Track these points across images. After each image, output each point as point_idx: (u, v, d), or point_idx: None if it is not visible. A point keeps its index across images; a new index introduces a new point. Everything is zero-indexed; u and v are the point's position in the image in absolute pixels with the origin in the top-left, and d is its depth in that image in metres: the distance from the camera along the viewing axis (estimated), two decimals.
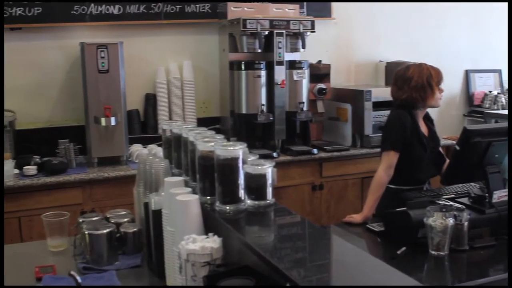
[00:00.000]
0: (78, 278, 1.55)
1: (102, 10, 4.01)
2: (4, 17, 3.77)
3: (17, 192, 3.38)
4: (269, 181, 1.81)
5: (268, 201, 1.81)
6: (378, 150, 3.02)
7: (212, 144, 1.80)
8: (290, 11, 4.27)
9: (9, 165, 3.42)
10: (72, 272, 1.56)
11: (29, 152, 3.77)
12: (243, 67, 3.96)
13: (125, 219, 2.23)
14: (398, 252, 2.24)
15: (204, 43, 4.34)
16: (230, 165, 1.76)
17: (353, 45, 4.82)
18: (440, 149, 3.13)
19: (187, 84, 4.18)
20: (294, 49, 4.12)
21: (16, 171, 3.48)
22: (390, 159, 2.84)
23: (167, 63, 4.21)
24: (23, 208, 3.40)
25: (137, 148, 3.81)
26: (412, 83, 2.89)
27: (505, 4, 5.05)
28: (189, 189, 1.80)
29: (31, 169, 3.48)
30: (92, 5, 3.97)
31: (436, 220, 2.18)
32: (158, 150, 3.41)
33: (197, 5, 4.21)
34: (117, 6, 4.03)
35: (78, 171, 3.55)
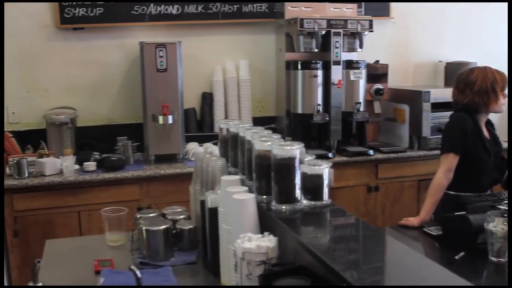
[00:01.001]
0: (138, 273, 1.58)
1: (161, 10, 4.08)
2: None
3: (77, 187, 3.48)
4: (326, 182, 1.79)
5: (324, 202, 1.80)
6: (437, 152, 2.95)
7: (269, 143, 1.80)
8: (348, 10, 4.22)
9: (70, 161, 3.52)
10: (132, 267, 1.59)
11: (89, 148, 3.88)
12: (299, 66, 3.95)
13: (181, 216, 2.26)
14: (456, 257, 2.18)
15: (260, 42, 4.35)
16: (287, 164, 1.75)
17: (411, 45, 4.73)
18: (503, 153, 3.03)
19: (244, 83, 4.20)
20: (351, 49, 4.07)
21: (77, 166, 3.58)
22: (450, 161, 2.77)
23: (224, 62, 4.24)
24: (83, 203, 3.49)
25: (193, 147, 3.86)
26: (475, 88, 2.80)
27: None
28: (246, 188, 1.80)
29: (90, 165, 3.57)
30: (152, 5, 4.05)
31: (497, 225, 2.11)
32: (214, 149, 3.46)
33: (254, 5, 4.23)
34: (175, 6, 4.09)
35: (135, 168, 3.63)
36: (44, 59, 4.01)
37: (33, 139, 3.85)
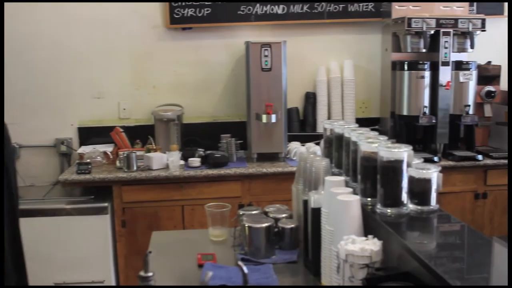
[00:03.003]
0: (245, 269, 1.60)
1: (267, 10, 4.12)
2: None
3: (182, 182, 3.59)
4: (434, 186, 1.73)
5: (431, 207, 1.74)
6: None
7: (376, 145, 1.77)
8: (459, 9, 4.06)
9: (176, 156, 3.63)
10: (240, 263, 1.61)
11: (194, 145, 3.99)
12: (406, 67, 3.85)
13: (284, 215, 2.26)
14: None
15: (366, 42, 4.28)
16: (393, 167, 1.71)
17: None
18: None
19: (348, 84, 4.16)
20: (462, 49, 3.91)
21: (182, 162, 3.69)
22: None
23: (328, 62, 4.22)
24: (187, 198, 3.60)
25: (295, 146, 3.86)
26: None
27: None
28: (350, 189, 1.78)
29: (195, 161, 3.67)
30: (258, 5, 4.10)
31: None
32: (316, 149, 3.44)
33: (361, 4, 4.17)
34: (281, 6, 4.11)
35: (238, 165, 3.68)
36: (154, 58, 4.17)
37: (141, 134, 4.01)
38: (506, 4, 4.31)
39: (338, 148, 2.17)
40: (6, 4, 3.98)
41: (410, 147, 1.75)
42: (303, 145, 3.85)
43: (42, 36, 4.08)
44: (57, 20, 4.08)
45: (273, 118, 3.68)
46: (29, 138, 4.12)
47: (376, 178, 1.76)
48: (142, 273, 1.52)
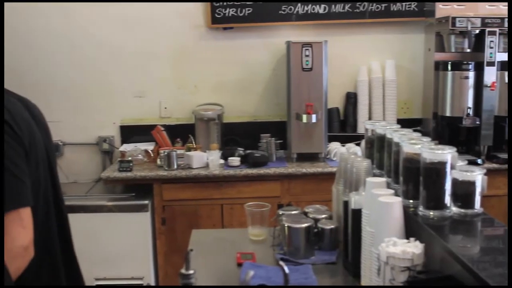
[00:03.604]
0: (286, 269, 1.59)
1: (308, 9, 4.10)
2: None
3: (221, 181, 3.60)
4: (478, 189, 1.70)
5: (475, 210, 1.70)
6: None
7: (419, 146, 1.74)
8: (505, 8, 3.97)
9: (216, 155, 3.65)
10: (281, 263, 1.61)
11: (234, 144, 4.01)
12: (449, 67, 3.78)
13: (323, 216, 2.25)
14: None
15: (408, 42, 4.22)
16: (437, 169, 1.68)
17: None
18: None
19: (389, 84, 4.11)
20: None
21: (222, 161, 3.71)
22: None
23: (369, 62, 4.18)
24: (226, 196, 3.61)
25: (335, 146, 3.84)
26: None
27: None
28: (392, 191, 1.76)
29: (235, 160, 3.68)
30: (299, 5, 4.08)
31: None
32: (357, 149, 3.41)
33: (403, 4, 4.11)
34: (322, 6, 4.09)
35: (277, 165, 3.68)
36: (195, 57, 4.20)
37: (182, 133, 4.05)
38: None
39: (379, 149, 2.15)
40: (54, 5, 4.07)
41: (454, 149, 1.72)
42: (343, 146, 3.83)
43: (87, 36, 4.16)
44: (101, 19, 4.15)
45: (314, 118, 3.67)
46: (72, 136, 4.20)
47: (419, 180, 1.73)
48: (183, 271, 1.53)
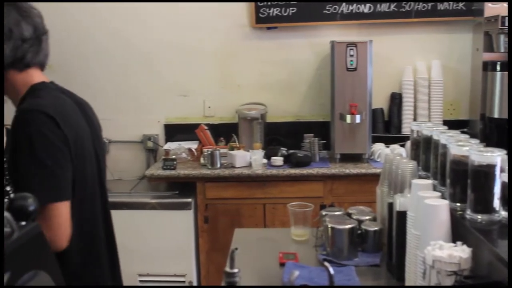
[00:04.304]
0: (331, 270, 1.58)
1: (353, 9, 4.07)
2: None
3: (264, 181, 3.61)
4: None
5: None
6: None
7: (467, 148, 1.71)
8: None
9: (259, 155, 3.66)
10: (326, 264, 1.60)
11: (277, 143, 4.01)
12: (498, 67, 3.69)
13: (367, 217, 2.23)
14: None
15: (455, 42, 4.14)
16: (485, 172, 1.64)
17: None
18: None
19: (435, 85, 4.04)
20: None
21: (265, 160, 3.71)
22: None
23: (414, 62, 4.12)
24: (268, 196, 3.61)
25: (379, 147, 3.80)
26: None
27: None
28: (438, 194, 1.73)
29: (278, 160, 3.68)
30: (344, 4, 4.05)
31: None
32: (401, 151, 3.36)
33: (450, 3, 4.04)
34: (367, 5, 4.06)
35: (320, 165, 3.66)
36: (239, 57, 4.22)
37: (225, 132, 4.07)
38: None
39: (425, 151, 2.11)
40: (104, 5, 4.15)
41: (504, 152, 1.67)
42: (387, 147, 3.78)
43: (134, 36, 4.23)
44: (148, 20, 4.21)
45: (358, 118, 3.63)
46: (118, 134, 4.28)
47: (466, 182, 1.69)
48: (228, 269, 1.53)
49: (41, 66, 1.80)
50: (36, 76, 1.77)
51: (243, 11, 4.16)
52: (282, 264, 2.09)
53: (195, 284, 3.69)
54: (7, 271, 0.93)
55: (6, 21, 1.66)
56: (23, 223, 1.06)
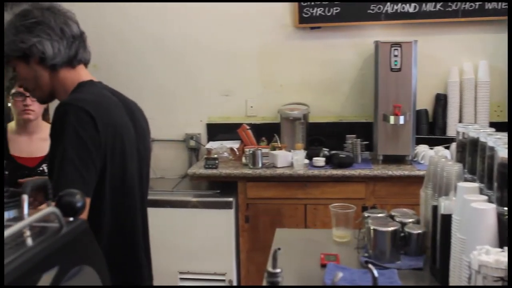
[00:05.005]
0: (375, 272, 1.56)
1: (398, 8, 4.02)
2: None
3: (305, 181, 3.60)
4: None
5: None
6: None
7: None
8: None
9: (300, 155, 3.65)
10: (370, 266, 1.58)
11: (319, 144, 3.99)
12: None
13: (410, 220, 2.19)
14: None
15: (503, 42, 4.04)
16: None
17: None
18: None
19: (482, 86, 3.95)
20: None
21: (306, 161, 3.70)
22: None
23: (461, 63, 4.04)
24: (310, 197, 3.60)
25: (423, 149, 3.74)
26: None
27: None
28: (485, 197, 1.69)
29: (319, 160, 3.67)
30: (388, 3, 4.01)
31: None
32: (446, 153, 3.32)
33: (499, 2, 3.94)
34: (413, 4, 4.00)
35: (363, 167, 3.63)
36: (281, 57, 4.22)
37: (267, 132, 4.07)
38: None
39: (471, 153, 2.07)
40: (145, 5, 4.21)
41: None
42: (432, 149, 3.72)
43: (177, 36, 4.28)
44: (190, 19, 4.25)
45: (401, 119, 3.59)
46: (161, 133, 4.32)
47: None
48: (270, 269, 1.53)
49: (86, 64, 1.85)
50: (83, 74, 1.82)
51: (286, 11, 4.16)
52: (323, 265, 2.07)
53: (235, 283, 3.70)
54: (55, 266, 0.95)
55: (55, 23, 1.72)
56: (71, 219, 1.08)
